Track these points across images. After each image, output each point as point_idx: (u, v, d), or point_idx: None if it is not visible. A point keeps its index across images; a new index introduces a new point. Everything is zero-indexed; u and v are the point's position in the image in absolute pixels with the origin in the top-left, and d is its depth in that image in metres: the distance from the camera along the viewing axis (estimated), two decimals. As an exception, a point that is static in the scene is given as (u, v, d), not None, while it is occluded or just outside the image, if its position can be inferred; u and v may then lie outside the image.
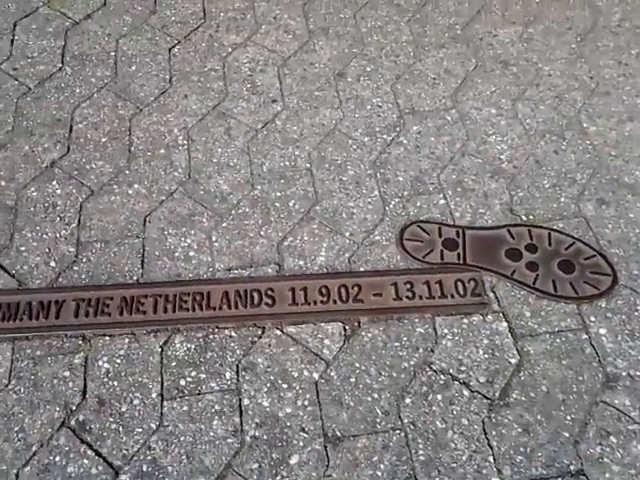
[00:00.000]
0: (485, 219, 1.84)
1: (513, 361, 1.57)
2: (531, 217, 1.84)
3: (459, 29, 2.41)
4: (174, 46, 2.34)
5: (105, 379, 1.54)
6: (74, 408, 1.49)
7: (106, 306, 1.64)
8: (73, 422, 1.47)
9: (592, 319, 1.64)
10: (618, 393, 1.51)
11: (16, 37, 2.34)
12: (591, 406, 1.49)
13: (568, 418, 1.48)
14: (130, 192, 1.89)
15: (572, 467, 1.41)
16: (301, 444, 1.45)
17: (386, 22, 2.44)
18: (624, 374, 1.54)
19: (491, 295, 1.68)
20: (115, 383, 1.53)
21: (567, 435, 1.45)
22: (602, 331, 1.61)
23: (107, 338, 1.60)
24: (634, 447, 1.43)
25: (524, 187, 1.91)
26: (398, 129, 2.07)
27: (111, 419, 1.47)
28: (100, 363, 1.56)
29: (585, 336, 1.61)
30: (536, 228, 1.81)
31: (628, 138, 2.04)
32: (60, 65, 2.26)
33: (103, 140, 2.02)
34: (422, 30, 2.41)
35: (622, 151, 2.01)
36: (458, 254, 1.75)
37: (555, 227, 1.81)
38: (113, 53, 2.30)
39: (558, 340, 1.60)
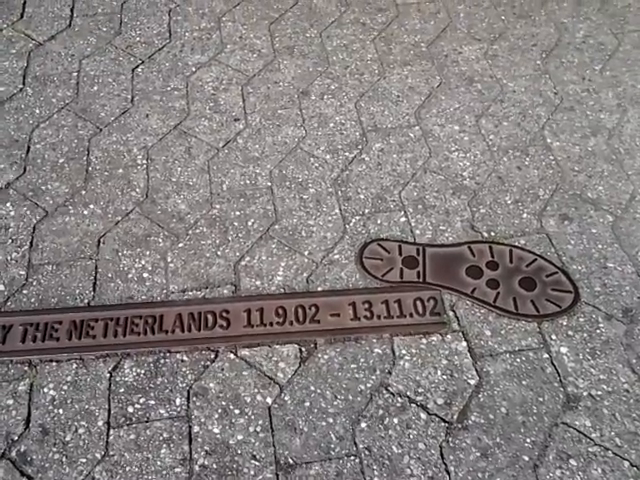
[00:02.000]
0: (446, 236, 1.81)
1: (472, 382, 1.52)
2: (492, 234, 1.81)
3: (424, 47, 2.41)
4: (137, 66, 2.32)
5: (50, 407, 1.48)
6: (16, 438, 1.43)
7: (55, 330, 1.60)
8: (14, 453, 1.41)
9: (553, 337, 1.60)
10: (579, 414, 1.47)
11: (-22, 58, 2.32)
12: (551, 428, 1.45)
13: (528, 441, 1.43)
14: (85, 213, 1.85)
15: (531, 492, 1.36)
16: (252, 472, 1.39)
17: (352, 41, 2.43)
18: (585, 394, 1.50)
19: (451, 314, 1.64)
20: (60, 411, 1.47)
21: (527, 459, 1.41)
22: (563, 350, 1.58)
23: (54, 364, 1.55)
24: (594, 470, 1.38)
25: (486, 203, 1.89)
26: (360, 146, 2.05)
27: (54, 449, 1.42)
28: (46, 390, 1.51)
29: (546, 355, 1.57)
30: (497, 245, 1.78)
31: (591, 153, 2.03)
32: (21, 86, 2.23)
33: (60, 161, 1.99)
34: (387, 48, 2.40)
35: (585, 166, 1.99)
36: (418, 272, 1.72)
37: (517, 244, 1.78)
38: (75, 74, 2.28)
39: (518, 360, 1.56)
